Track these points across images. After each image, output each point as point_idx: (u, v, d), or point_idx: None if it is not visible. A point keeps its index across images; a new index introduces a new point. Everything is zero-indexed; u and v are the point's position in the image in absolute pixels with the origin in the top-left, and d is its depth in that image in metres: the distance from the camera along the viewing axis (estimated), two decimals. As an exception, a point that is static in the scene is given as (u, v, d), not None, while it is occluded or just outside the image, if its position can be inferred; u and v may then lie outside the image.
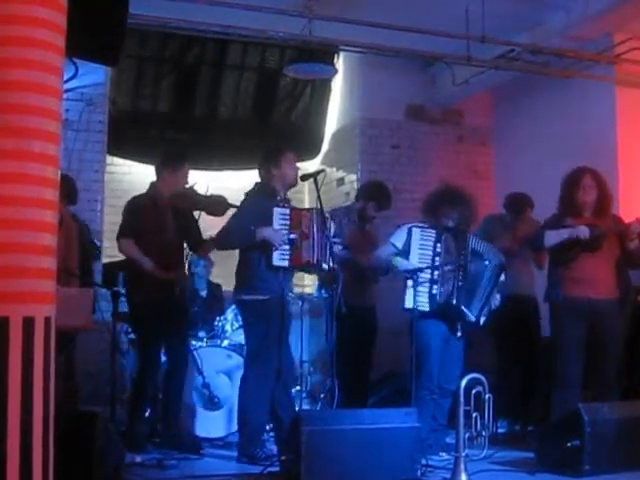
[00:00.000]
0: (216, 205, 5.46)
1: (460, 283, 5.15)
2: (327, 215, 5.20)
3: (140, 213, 5.42)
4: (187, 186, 5.60)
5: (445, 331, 5.22)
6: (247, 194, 5.31)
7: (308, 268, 5.25)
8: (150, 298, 5.31)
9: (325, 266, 5.02)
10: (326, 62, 7.82)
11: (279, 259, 5.02)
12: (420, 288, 5.12)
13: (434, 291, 5.13)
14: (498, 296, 5.36)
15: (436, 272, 5.15)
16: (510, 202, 6.57)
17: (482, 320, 5.26)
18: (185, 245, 5.66)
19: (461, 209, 5.30)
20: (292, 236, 5.03)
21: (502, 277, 5.34)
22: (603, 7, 6.38)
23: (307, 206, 7.15)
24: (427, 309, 5.12)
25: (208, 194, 5.61)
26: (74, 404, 5.18)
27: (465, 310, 5.17)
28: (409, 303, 5.10)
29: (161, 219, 5.44)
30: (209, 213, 5.53)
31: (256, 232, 4.99)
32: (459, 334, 5.22)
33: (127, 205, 5.52)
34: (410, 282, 5.12)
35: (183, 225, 5.53)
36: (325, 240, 5.02)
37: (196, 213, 5.67)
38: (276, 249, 4.99)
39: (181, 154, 5.77)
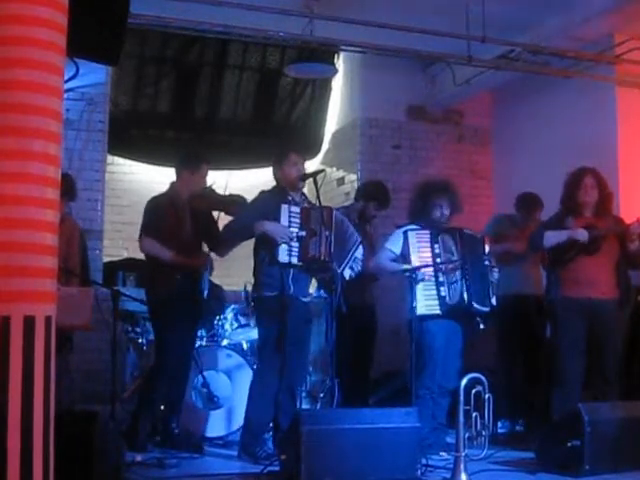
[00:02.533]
0: (234, 205, 5.42)
1: (468, 281, 5.15)
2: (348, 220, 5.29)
3: (159, 213, 5.42)
4: (207, 186, 5.58)
5: (450, 327, 5.21)
6: (261, 192, 5.34)
7: (315, 266, 5.20)
8: (168, 296, 5.31)
9: (334, 266, 4.99)
10: (327, 62, 7.84)
11: (285, 255, 5.00)
12: (428, 292, 5.12)
13: (442, 293, 5.13)
14: (495, 269, 5.36)
15: (440, 273, 5.15)
16: (522, 202, 6.52)
17: (494, 300, 5.27)
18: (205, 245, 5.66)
19: (449, 196, 5.33)
20: (301, 234, 5.02)
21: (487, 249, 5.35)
22: (604, 8, 6.38)
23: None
24: (439, 312, 5.12)
25: (227, 194, 5.59)
26: (70, 404, 5.17)
27: (477, 306, 5.17)
28: (422, 309, 5.08)
29: (179, 219, 5.43)
30: (227, 213, 5.48)
31: (255, 225, 4.99)
32: (482, 326, 5.21)
33: (147, 205, 5.50)
34: (421, 285, 5.10)
35: (202, 225, 5.50)
36: (340, 241, 5.03)
37: (215, 213, 5.65)
38: (279, 244, 4.99)
39: (199, 155, 5.76)
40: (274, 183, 5.37)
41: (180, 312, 5.30)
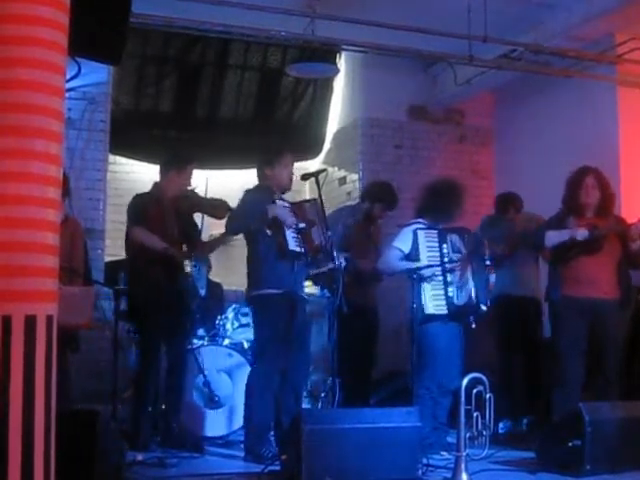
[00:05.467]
0: (217, 208, 5.48)
1: (476, 282, 5.15)
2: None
3: (144, 211, 5.44)
4: (189, 188, 5.61)
5: (451, 329, 5.21)
6: (246, 191, 5.31)
7: (321, 256, 5.17)
8: (152, 295, 5.32)
9: (330, 264, 4.98)
10: (328, 61, 7.85)
11: (294, 244, 4.99)
12: (435, 292, 5.12)
13: (450, 293, 5.12)
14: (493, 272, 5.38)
15: (449, 274, 5.14)
16: (495, 202, 6.71)
17: (488, 302, 5.28)
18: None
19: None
20: (302, 225, 5.01)
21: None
22: (605, 8, 6.38)
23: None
24: (445, 312, 5.12)
25: (209, 197, 5.63)
26: (71, 403, 5.17)
27: (482, 307, 5.20)
28: (429, 309, 5.08)
29: (164, 219, 5.46)
30: (210, 215, 5.54)
31: (268, 209, 4.98)
32: (473, 325, 5.21)
33: (132, 202, 5.53)
34: (428, 285, 5.10)
35: (184, 226, 5.54)
36: (327, 235, 5.02)
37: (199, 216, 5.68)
38: (289, 228, 4.97)
39: (186, 156, 5.79)
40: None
41: (161, 313, 5.31)
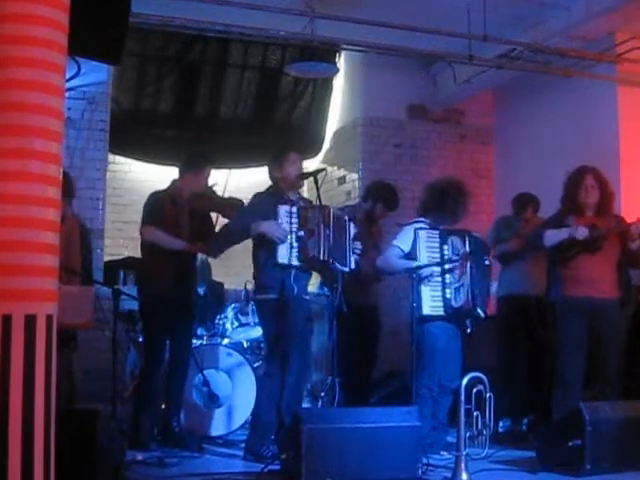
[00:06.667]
0: (232, 209, 5.43)
1: (474, 285, 5.14)
2: (345, 215, 5.21)
3: (159, 208, 5.44)
4: (208, 186, 5.59)
5: (450, 330, 5.21)
6: (255, 195, 5.31)
7: (317, 265, 5.16)
8: (161, 294, 5.31)
9: (340, 267, 4.94)
10: (328, 61, 7.85)
11: (285, 256, 4.97)
12: (433, 293, 5.12)
13: (448, 295, 5.12)
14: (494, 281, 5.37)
15: (447, 275, 5.14)
16: (514, 202, 6.60)
17: (487, 309, 5.28)
18: None
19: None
20: (300, 233, 4.98)
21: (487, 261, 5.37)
22: (605, 7, 6.39)
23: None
24: (442, 313, 5.11)
25: (226, 197, 5.60)
26: (72, 402, 5.18)
27: (479, 310, 5.18)
28: (426, 309, 5.07)
29: (178, 217, 5.45)
30: (224, 216, 5.49)
31: (251, 227, 4.96)
32: (469, 330, 5.21)
33: (148, 199, 5.51)
34: (426, 287, 5.10)
35: (198, 225, 5.53)
36: (339, 239, 4.98)
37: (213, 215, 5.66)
38: (279, 243, 4.96)
39: (203, 157, 5.77)
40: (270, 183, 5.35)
41: (169, 311, 5.31)
